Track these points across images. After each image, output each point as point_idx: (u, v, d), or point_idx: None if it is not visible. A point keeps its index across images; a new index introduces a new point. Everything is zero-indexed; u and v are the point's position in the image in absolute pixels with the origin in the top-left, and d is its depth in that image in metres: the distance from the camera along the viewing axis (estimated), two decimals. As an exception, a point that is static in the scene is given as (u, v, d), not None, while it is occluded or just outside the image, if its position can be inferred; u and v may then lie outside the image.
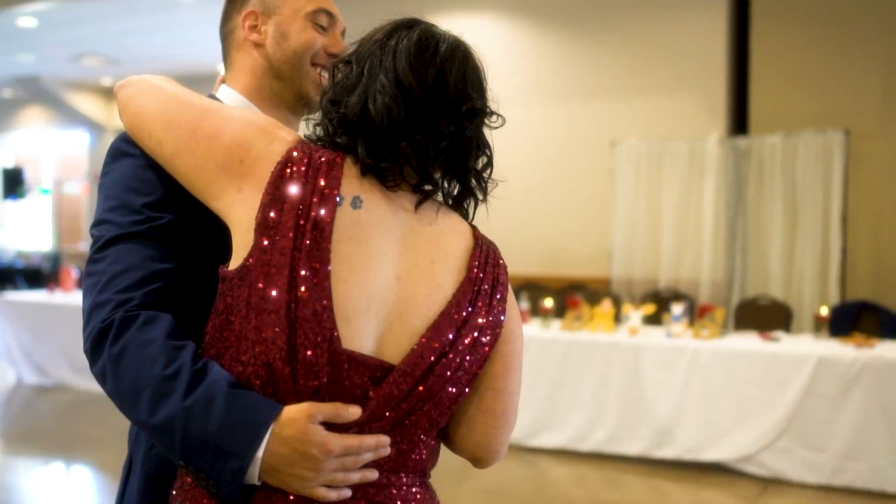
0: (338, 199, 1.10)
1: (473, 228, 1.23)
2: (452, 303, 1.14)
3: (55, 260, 13.51)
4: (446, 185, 1.21)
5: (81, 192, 13.72)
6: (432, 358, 1.11)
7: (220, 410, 1.02)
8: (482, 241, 1.22)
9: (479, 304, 1.16)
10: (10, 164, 13.25)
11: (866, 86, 6.49)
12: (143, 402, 1.04)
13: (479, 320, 1.15)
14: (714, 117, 6.74)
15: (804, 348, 4.72)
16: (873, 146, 6.44)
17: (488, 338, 1.16)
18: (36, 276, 13.24)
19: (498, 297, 1.18)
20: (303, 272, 1.05)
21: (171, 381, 1.03)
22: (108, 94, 13.29)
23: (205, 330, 1.13)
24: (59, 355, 7.26)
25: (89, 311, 1.12)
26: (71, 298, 7.64)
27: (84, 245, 13.80)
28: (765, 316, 5.84)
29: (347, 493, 1.06)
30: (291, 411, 1.03)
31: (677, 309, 5.25)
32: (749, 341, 5.00)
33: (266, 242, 1.06)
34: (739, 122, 7.01)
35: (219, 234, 1.17)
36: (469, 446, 1.21)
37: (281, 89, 1.39)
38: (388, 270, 1.12)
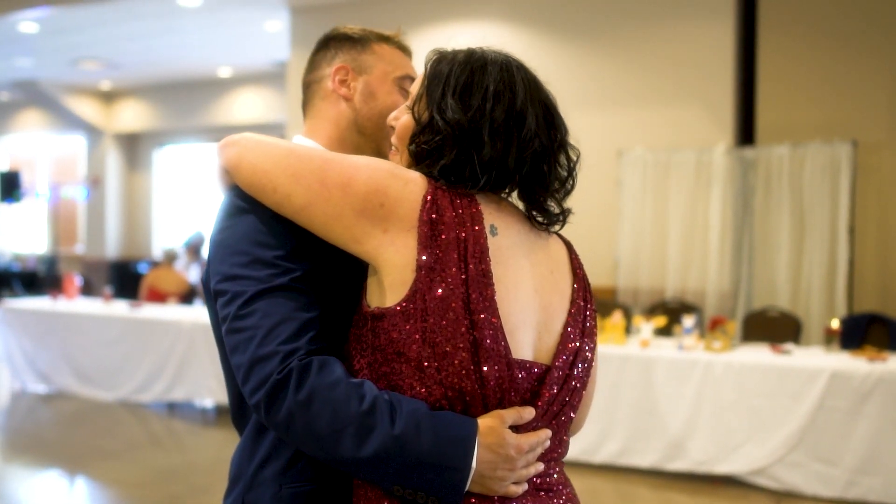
0: (486, 230, 1.22)
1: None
2: (574, 303, 1.32)
3: (51, 263, 13.45)
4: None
5: (78, 195, 13.65)
6: (572, 355, 1.28)
7: (430, 433, 1.12)
8: (566, 240, 1.40)
9: (588, 297, 1.35)
10: (6, 168, 13.18)
11: (873, 97, 6.52)
12: (347, 440, 1.11)
13: (590, 314, 1.34)
14: (721, 127, 6.76)
15: (817, 362, 4.73)
16: (881, 157, 6.47)
17: (594, 328, 1.35)
18: (32, 279, 13.18)
19: (590, 289, 1.38)
20: (476, 301, 1.18)
21: (370, 415, 1.11)
22: (106, 97, 13.24)
23: (355, 365, 1.22)
24: (62, 363, 7.22)
25: (250, 365, 1.16)
26: (73, 306, 7.61)
27: (80, 248, 13.76)
28: (774, 328, 5.86)
29: (526, 485, 1.22)
30: (487, 420, 1.17)
31: (689, 321, 5.26)
32: (761, 354, 5.00)
33: (435, 278, 1.17)
34: (746, 132, 7.02)
35: (342, 277, 1.28)
36: None
37: (362, 143, 1.47)
38: (528, 285, 1.26)
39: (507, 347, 1.19)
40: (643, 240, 6.92)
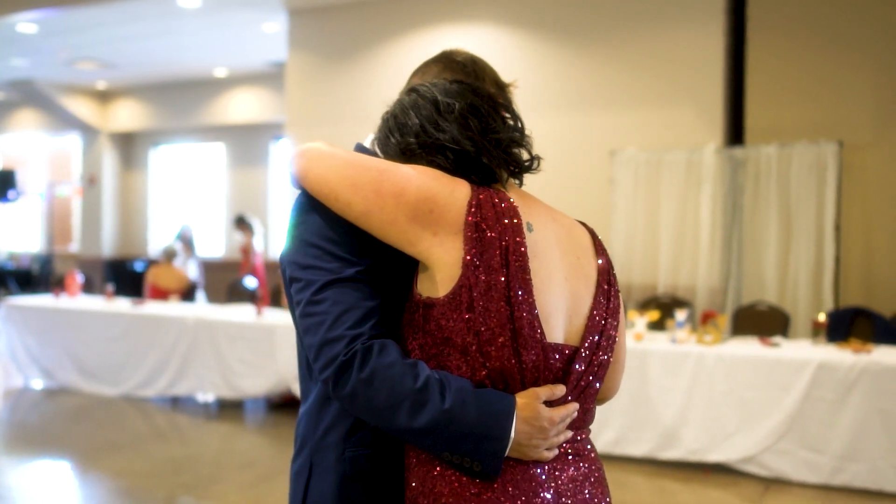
0: (524, 228, 1.37)
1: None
2: (599, 286, 1.47)
3: (45, 261, 13.52)
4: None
5: (73, 194, 13.73)
6: (598, 335, 1.44)
7: (474, 407, 1.30)
8: (589, 227, 1.55)
9: (612, 281, 1.50)
10: (1, 166, 13.23)
11: (859, 98, 6.71)
12: (403, 412, 1.29)
13: (613, 294, 1.49)
14: (711, 128, 6.93)
15: (804, 354, 4.91)
16: (866, 157, 6.66)
17: (618, 306, 1.50)
18: (27, 278, 13.24)
19: (614, 271, 1.52)
20: (517, 293, 1.33)
21: (423, 392, 1.29)
22: (101, 97, 13.31)
23: (408, 346, 1.39)
24: (65, 359, 7.34)
25: (320, 346, 1.34)
26: (76, 303, 7.72)
27: (74, 246, 13.83)
28: (763, 321, 6.04)
29: (557, 451, 1.39)
30: (524, 397, 1.34)
31: (681, 315, 5.43)
32: (750, 347, 5.18)
33: (479, 274, 1.33)
34: (736, 132, 7.20)
35: (397, 271, 1.43)
36: (600, 391, 1.52)
37: None
38: (560, 275, 1.42)
39: (542, 334, 1.35)
40: (636, 237, 7.10)
